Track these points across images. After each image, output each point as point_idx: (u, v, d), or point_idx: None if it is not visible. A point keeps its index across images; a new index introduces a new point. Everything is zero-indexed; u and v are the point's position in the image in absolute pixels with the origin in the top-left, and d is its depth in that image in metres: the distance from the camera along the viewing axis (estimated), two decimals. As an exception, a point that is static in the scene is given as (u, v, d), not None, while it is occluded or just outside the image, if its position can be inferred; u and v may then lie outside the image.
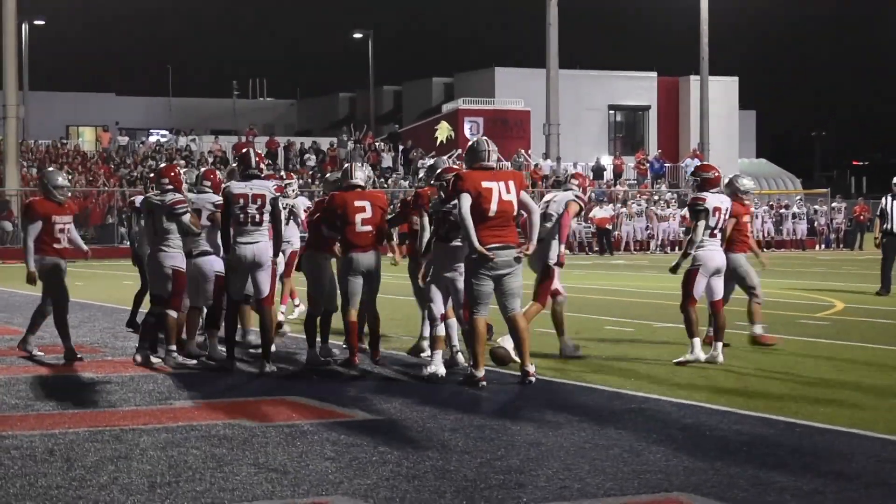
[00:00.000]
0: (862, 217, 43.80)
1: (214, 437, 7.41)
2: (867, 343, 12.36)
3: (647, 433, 7.50)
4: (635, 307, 17.06)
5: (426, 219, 10.38)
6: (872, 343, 12.36)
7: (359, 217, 10.31)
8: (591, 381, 9.73)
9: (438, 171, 10.43)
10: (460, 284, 9.87)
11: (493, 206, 9.31)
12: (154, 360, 10.77)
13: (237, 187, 10.24)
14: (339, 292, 10.68)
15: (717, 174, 11.15)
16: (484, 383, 9.35)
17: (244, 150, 10.72)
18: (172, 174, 11.02)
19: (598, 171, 48.71)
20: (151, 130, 58.66)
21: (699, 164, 11.99)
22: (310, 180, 42.87)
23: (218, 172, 11.69)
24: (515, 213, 9.49)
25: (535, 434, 7.47)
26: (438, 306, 9.93)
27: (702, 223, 10.77)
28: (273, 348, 10.48)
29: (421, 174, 11.50)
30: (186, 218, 10.67)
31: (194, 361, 10.77)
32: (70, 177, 33.76)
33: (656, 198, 44.08)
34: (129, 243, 16.29)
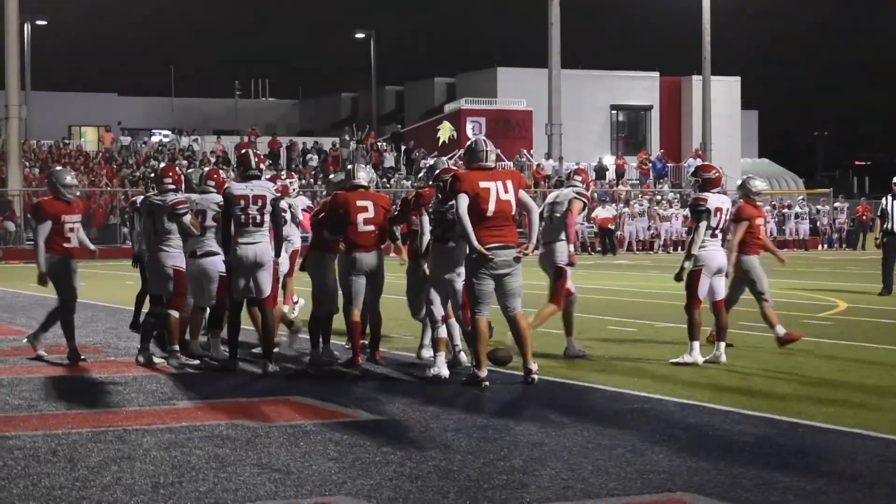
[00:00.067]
0: (865, 217, 43.77)
1: (217, 437, 7.41)
2: (870, 343, 12.36)
3: (650, 433, 7.49)
4: (638, 307, 17.05)
5: (426, 219, 10.37)
6: (875, 343, 12.35)
7: (361, 217, 10.31)
8: (594, 381, 9.73)
9: (437, 171, 10.43)
10: (458, 286, 9.88)
11: (491, 206, 9.32)
12: (157, 360, 10.78)
13: (238, 188, 10.23)
14: (340, 293, 10.68)
15: (717, 174, 11.14)
16: (487, 383, 9.35)
17: (243, 151, 10.72)
18: (174, 174, 11.03)
19: (601, 170, 48.71)
20: (154, 130, 58.63)
21: (700, 163, 11.97)
22: (312, 180, 42.90)
23: (221, 172, 11.69)
24: (514, 213, 9.50)
25: (538, 434, 7.47)
26: (438, 308, 9.93)
27: (703, 224, 10.75)
28: (276, 349, 10.48)
29: (421, 174, 11.48)
30: (187, 219, 10.67)
31: (197, 361, 10.78)
32: (73, 177, 33.69)
33: (659, 198, 44.09)
34: (130, 243, 16.29)
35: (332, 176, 12.18)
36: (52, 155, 44.85)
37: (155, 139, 52.72)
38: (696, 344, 10.71)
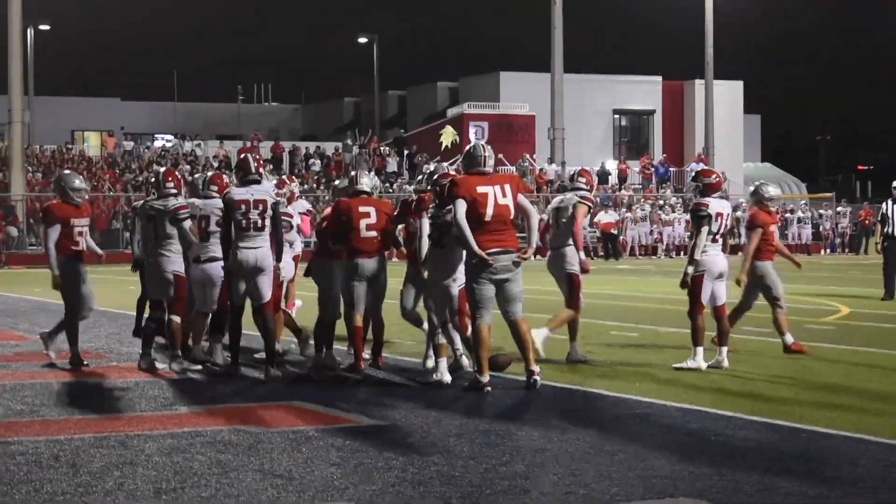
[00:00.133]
0: (867, 221, 43.77)
1: (219, 442, 7.41)
2: (872, 347, 12.35)
3: (652, 438, 7.49)
4: (640, 312, 17.04)
5: (426, 224, 10.32)
6: (878, 347, 12.34)
7: (363, 223, 10.31)
8: (596, 386, 9.73)
9: (436, 176, 10.42)
10: (454, 291, 9.88)
11: (489, 211, 9.32)
12: (159, 365, 10.78)
13: (238, 193, 10.23)
14: (342, 300, 10.66)
15: (718, 179, 11.14)
16: (489, 389, 9.35)
17: (243, 156, 10.73)
18: (174, 178, 11.04)
19: (603, 175, 48.69)
20: (157, 135, 58.72)
21: (700, 168, 11.96)
22: (315, 185, 42.92)
23: (225, 177, 11.68)
24: (513, 217, 9.50)
25: (540, 439, 7.47)
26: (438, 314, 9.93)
27: (705, 229, 10.75)
28: (286, 356, 10.47)
29: (420, 178, 11.47)
30: (187, 224, 10.68)
31: (199, 367, 10.78)
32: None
33: (661, 202, 44.09)
34: (131, 249, 16.29)
35: (337, 182, 12.16)
36: (55, 160, 44.92)
37: (158, 144, 52.80)
38: (700, 349, 10.70)
